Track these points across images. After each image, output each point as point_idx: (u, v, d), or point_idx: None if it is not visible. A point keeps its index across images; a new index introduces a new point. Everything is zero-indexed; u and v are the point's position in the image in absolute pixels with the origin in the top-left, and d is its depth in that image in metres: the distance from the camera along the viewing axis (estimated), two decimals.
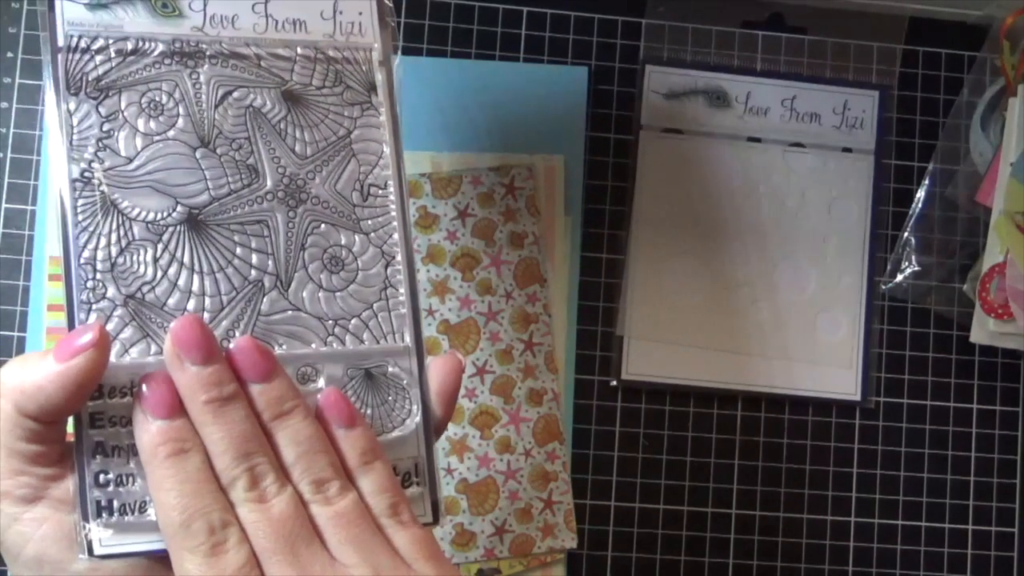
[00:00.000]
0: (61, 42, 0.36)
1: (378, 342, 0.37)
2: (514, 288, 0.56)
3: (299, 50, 0.38)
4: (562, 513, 0.55)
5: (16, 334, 0.54)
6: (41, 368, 0.32)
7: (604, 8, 0.59)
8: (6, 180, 0.55)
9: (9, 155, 0.55)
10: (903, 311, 0.59)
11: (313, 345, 0.36)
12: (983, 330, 0.55)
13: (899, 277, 0.59)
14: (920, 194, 0.60)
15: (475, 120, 0.57)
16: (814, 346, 0.58)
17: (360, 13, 0.39)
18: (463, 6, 0.58)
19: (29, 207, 0.55)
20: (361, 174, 0.38)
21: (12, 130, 0.55)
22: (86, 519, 0.33)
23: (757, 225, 0.59)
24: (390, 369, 0.37)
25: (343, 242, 0.38)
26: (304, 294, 0.37)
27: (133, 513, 0.34)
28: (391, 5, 0.40)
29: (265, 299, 0.36)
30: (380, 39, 0.39)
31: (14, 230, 0.55)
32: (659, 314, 0.58)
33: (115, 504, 0.34)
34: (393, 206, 0.38)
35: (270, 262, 0.37)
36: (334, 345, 0.37)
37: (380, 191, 0.38)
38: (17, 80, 0.55)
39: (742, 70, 0.59)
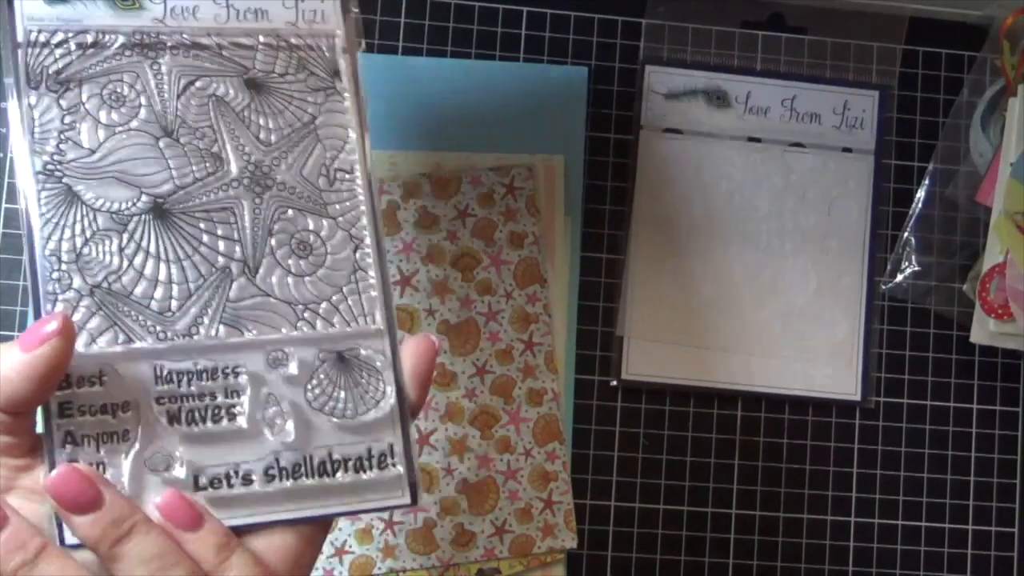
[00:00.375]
0: (20, 37, 0.36)
1: (349, 325, 0.37)
2: (514, 288, 0.56)
3: (261, 38, 0.38)
4: (562, 513, 0.56)
5: (16, 334, 0.54)
6: (6, 359, 0.32)
7: (604, 8, 0.59)
8: (6, 180, 0.55)
9: (9, 155, 0.55)
10: (903, 311, 0.59)
11: (284, 330, 0.36)
12: (983, 330, 0.55)
13: (899, 277, 0.59)
14: (920, 194, 0.60)
15: (475, 120, 0.57)
16: (814, 346, 0.58)
17: (322, 0, 0.39)
18: (463, 6, 0.58)
19: None
20: (327, 159, 0.38)
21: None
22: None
23: (757, 225, 0.59)
24: (362, 352, 0.37)
25: (311, 227, 0.38)
26: (273, 279, 0.37)
27: None
28: None
29: (234, 285, 0.36)
30: (343, 26, 0.39)
31: (14, 230, 0.55)
32: (659, 314, 0.58)
33: None
34: (360, 190, 0.38)
35: (237, 248, 0.37)
36: (304, 329, 0.37)
37: (347, 175, 0.38)
38: None
39: (742, 70, 0.59)
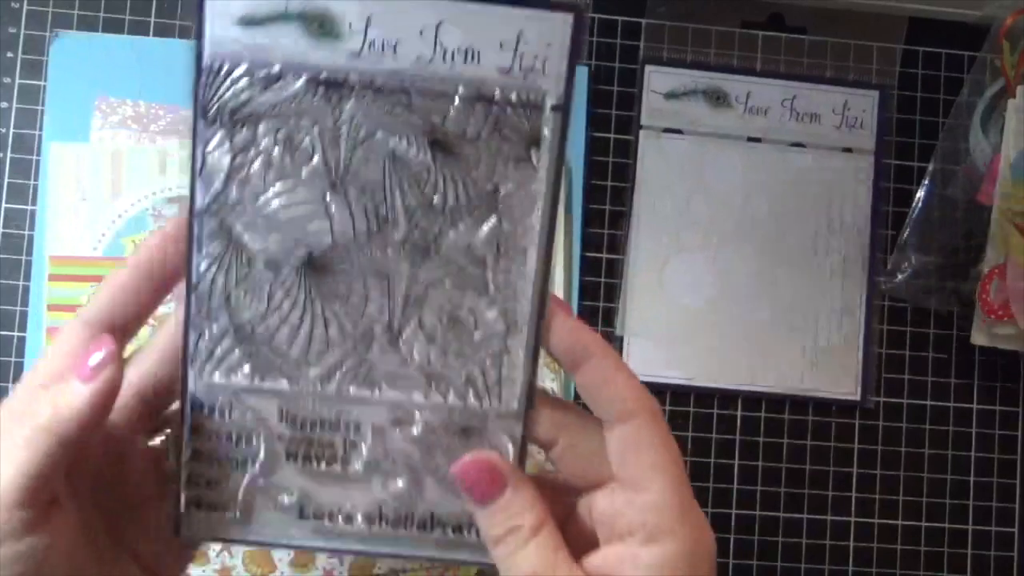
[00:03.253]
0: (205, 62, 0.34)
1: (481, 403, 0.37)
2: None
3: (460, 89, 0.35)
4: None
5: (16, 334, 0.54)
6: (73, 395, 0.33)
7: (604, 8, 0.59)
8: (6, 180, 0.55)
9: (9, 155, 0.55)
10: (903, 311, 0.59)
11: (415, 395, 0.36)
12: (983, 331, 0.55)
13: (899, 277, 0.59)
14: (920, 194, 0.60)
15: None
16: (814, 346, 0.58)
17: (548, 45, 0.34)
18: None
19: (29, 207, 0.55)
20: (502, 235, 0.36)
21: (12, 130, 0.55)
22: (178, 508, 0.37)
23: (757, 225, 0.59)
24: (489, 429, 0.37)
25: (465, 302, 0.36)
26: (415, 346, 0.36)
27: (217, 511, 0.37)
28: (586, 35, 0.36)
29: (374, 346, 0.36)
30: (563, 79, 0.35)
31: (14, 230, 0.55)
32: (659, 314, 0.58)
33: (203, 502, 0.37)
34: (530, 273, 0.36)
35: (385, 313, 0.36)
36: (435, 399, 0.36)
37: (519, 255, 0.36)
38: (17, 80, 0.55)
39: (742, 70, 0.59)
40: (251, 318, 0.36)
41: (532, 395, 0.36)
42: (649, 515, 0.34)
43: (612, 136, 0.59)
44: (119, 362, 0.34)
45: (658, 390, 0.57)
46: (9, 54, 0.55)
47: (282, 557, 0.53)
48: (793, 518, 0.58)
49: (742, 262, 0.58)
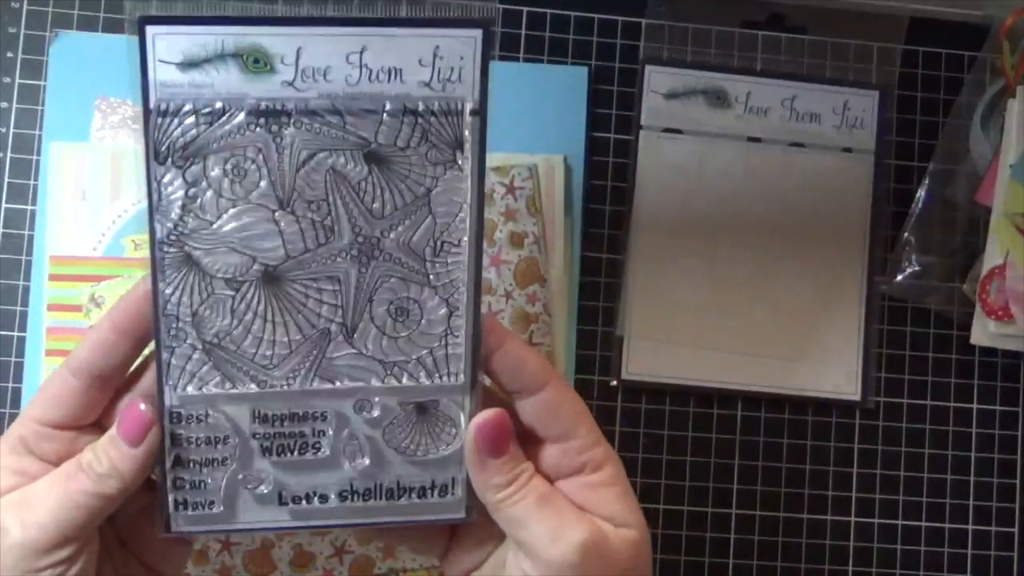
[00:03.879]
0: (152, 105, 0.37)
1: (432, 380, 0.40)
2: (514, 288, 0.56)
3: (387, 106, 0.38)
4: None
5: (16, 334, 0.54)
6: (123, 457, 0.38)
7: (604, 8, 0.59)
8: (6, 180, 0.55)
9: (9, 155, 0.55)
10: (903, 311, 0.59)
11: (372, 381, 0.40)
12: (983, 332, 0.55)
13: (899, 277, 0.59)
14: (920, 194, 0.60)
15: None
16: (814, 346, 0.58)
17: (462, 58, 0.38)
18: None
19: (29, 207, 0.55)
20: (437, 230, 0.40)
21: (12, 130, 0.55)
22: (166, 510, 0.40)
23: (757, 225, 0.59)
24: (442, 403, 0.41)
25: (410, 294, 0.40)
26: (368, 339, 0.40)
27: (203, 508, 0.40)
28: (497, 33, 0.40)
29: (331, 344, 0.40)
30: (478, 84, 0.39)
31: (14, 230, 0.55)
32: (659, 314, 0.58)
33: (189, 502, 0.40)
34: (464, 260, 0.40)
35: (338, 312, 0.40)
36: (391, 382, 0.40)
37: (454, 248, 0.40)
38: (17, 80, 0.55)
39: (742, 70, 0.59)
40: (217, 332, 0.39)
41: (477, 368, 0.41)
42: (588, 453, 0.40)
43: (612, 136, 0.59)
44: (158, 424, 0.39)
45: (658, 390, 0.57)
46: (9, 54, 0.55)
47: (281, 557, 0.53)
48: (793, 518, 0.58)
49: (742, 262, 0.58)
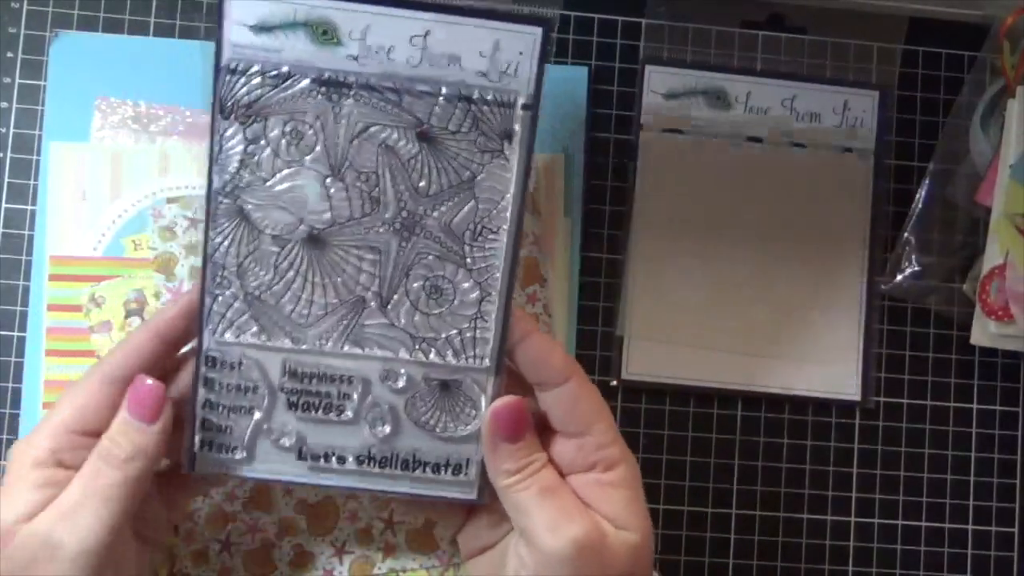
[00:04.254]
0: (223, 62, 0.39)
1: (458, 360, 0.42)
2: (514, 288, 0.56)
3: (443, 90, 0.40)
4: None
5: (16, 334, 0.54)
6: (144, 434, 0.40)
7: (604, 8, 0.59)
8: (6, 180, 0.55)
9: (9, 155, 0.55)
10: (903, 311, 0.59)
11: (401, 353, 0.42)
12: (983, 332, 0.55)
13: (899, 277, 0.59)
14: (920, 194, 0.60)
15: None
16: (814, 346, 0.58)
17: (520, 53, 0.40)
18: None
19: (29, 207, 0.55)
20: (478, 216, 0.41)
21: (12, 130, 0.55)
22: (192, 450, 0.42)
23: (757, 225, 0.59)
24: (465, 384, 0.42)
25: (446, 274, 0.42)
26: (401, 311, 0.42)
27: (226, 452, 0.42)
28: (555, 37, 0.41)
29: (365, 311, 0.42)
30: (533, 80, 0.40)
31: (14, 230, 0.55)
32: (659, 314, 0.58)
33: (214, 444, 0.42)
34: (502, 249, 0.41)
35: (376, 282, 0.41)
36: (419, 357, 0.42)
37: (492, 235, 0.41)
38: (17, 80, 0.55)
39: (742, 70, 0.59)
40: (259, 285, 0.41)
41: (503, 355, 0.42)
42: (603, 452, 0.41)
43: (612, 136, 0.59)
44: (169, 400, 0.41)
45: (658, 390, 0.57)
46: (9, 54, 0.55)
47: (281, 558, 0.53)
48: (793, 518, 0.58)
49: (742, 262, 0.58)
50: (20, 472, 0.40)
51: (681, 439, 0.58)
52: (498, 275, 0.41)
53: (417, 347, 0.42)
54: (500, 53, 0.40)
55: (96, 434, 0.40)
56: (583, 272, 0.58)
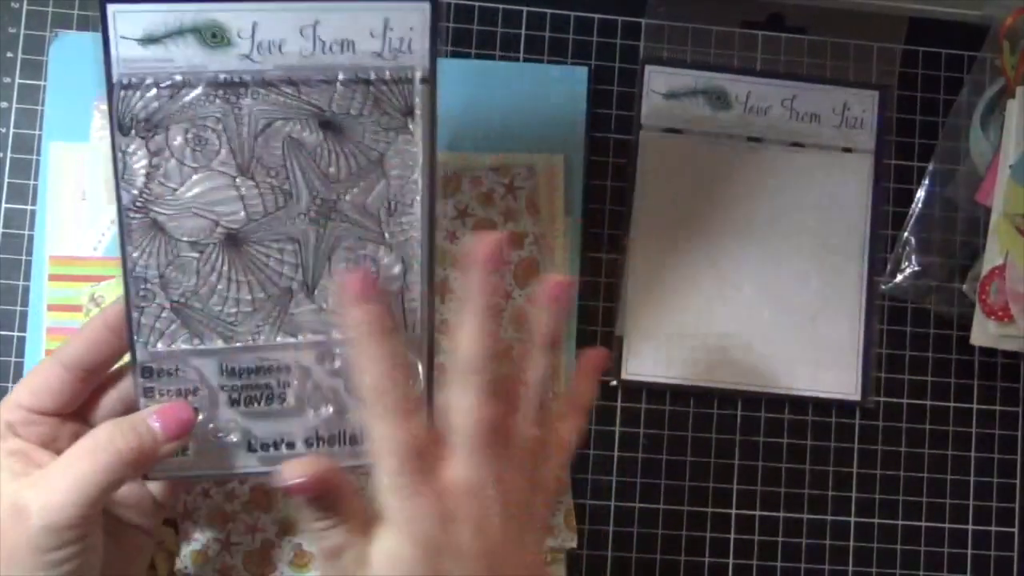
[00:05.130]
0: (115, 80, 0.39)
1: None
2: (514, 288, 0.56)
3: (340, 76, 0.40)
4: (562, 513, 0.56)
5: (16, 334, 0.54)
6: (155, 441, 0.40)
7: (604, 8, 0.59)
8: (6, 180, 0.55)
9: (9, 155, 0.55)
10: (903, 311, 0.59)
11: (333, 334, 0.42)
12: (983, 332, 0.55)
13: (899, 277, 0.59)
14: (920, 194, 0.60)
15: (475, 120, 0.57)
16: (814, 346, 0.58)
17: (411, 28, 0.40)
18: (463, 6, 0.58)
19: (29, 207, 0.55)
20: (391, 192, 0.42)
21: (12, 130, 0.55)
22: None
23: (757, 225, 0.59)
24: None
25: (367, 252, 0.42)
26: (328, 295, 0.42)
27: (177, 454, 0.42)
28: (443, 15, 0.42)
29: (292, 300, 0.42)
30: (428, 54, 0.40)
31: (14, 230, 0.55)
32: (659, 314, 0.58)
33: None
34: (417, 221, 0.42)
35: (299, 271, 0.42)
36: None
37: (407, 208, 0.42)
38: (17, 80, 0.55)
39: (742, 70, 0.59)
40: (183, 293, 0.41)
41: (432, 322, 0.43)
42: None
43: (612, 136, 0.59)
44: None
45: (658, 390, 0.57)
46: (9, 54, 0.55)
47: (281, 558, 0.53)
48: (793, 518, 0.58)
49: (742, 262, 0.58)
50: None
51: (681, 439, 0.58)
52: (417, 245, 0.42)
53: None
54: (391, 32, 0.40)
55: (47, 413, 0.42)
56: (583, 272, 0.58)
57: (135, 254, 0.41)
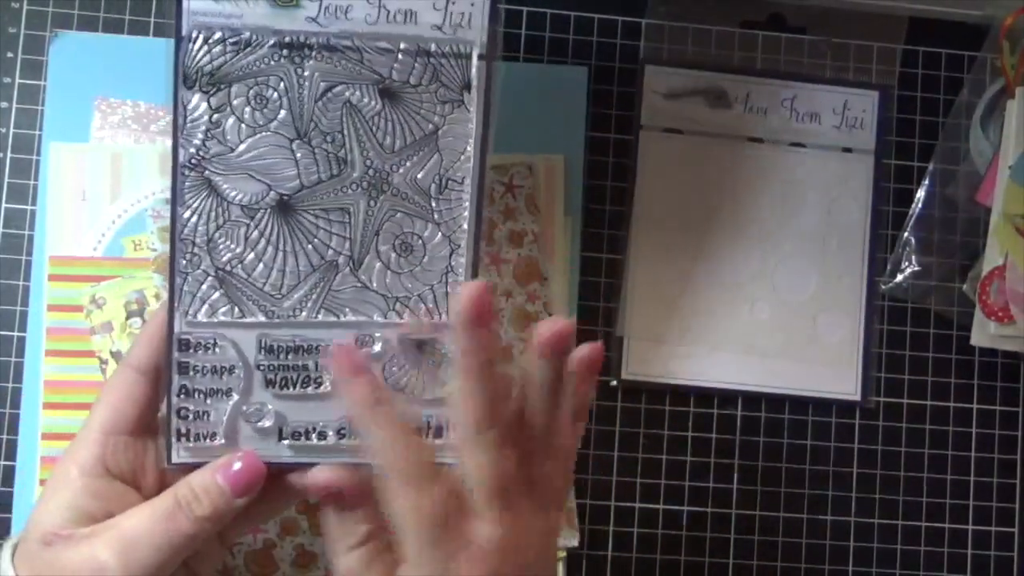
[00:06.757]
0: (184, 32, 0.39)
1: (431, 317, 0.42)
2: (514, 287, 0.56)
3: (402, 45, 0.40)
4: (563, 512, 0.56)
5: (16, 334, 0.54)
6: (228, 504, 0.40)
7: (604, 8, 0.59)
8: (6, 180, 0.55)
9: (9, 155, 0.55)
10: (903, 311, 0.59)
11: (375, 316, 0.41)
12: (983, 333, 0.55)
13: (899, 277, 0.59)
14: (920, 194, 0.60)
15: None
16: (814, 346, 0.58)
17: (472, 4, 0.41)
18: None
19: (29, 207, 0.55)
20: (443, 168, 0.41)
21: (12, 130, 0.55)
22: (169, 440, 0.41)
23: (757, 225, 0.59)
24: (440, 338, 0.42)
25: (415, 229, 0.41)
26: (373, 272, 0.41)
27: (205, 440, 0.41)
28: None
29: (338, 276, 0.41)
30: (486, 33, 0.41)
31: (14, 230, 0.55)
32: (659, 314, 0.58)
33: (192, 433, 0.41)
34: (467, 200, 0.41)
35: (347, 244, 0.41)
36: (393, 318, 0.42)
37: (457, 185, 0.41)
38: (17, 80, 0.55)
39: (742, 70, 0.59)
40: (230, 259, 0.41)
41: None
42: None
43: (612, 136, 0.59)
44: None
45: (659, 390, 0.57)
46: (9, 54, 0.55)
47: (283, 557, 0.53)
48: (793, 518, 0.58)
49: (742, 262, 0.58)
50: (66, 478, 0.40)
51: (681, 439, 0.58)
52: (465, 225, 0.42)
53: (391, 308, 0.42)
54: (453, 6, 0.41)
55: (137, 432, 0.41)
56: (583, 272, 0.58)
57: (186, 214, 0.40)
